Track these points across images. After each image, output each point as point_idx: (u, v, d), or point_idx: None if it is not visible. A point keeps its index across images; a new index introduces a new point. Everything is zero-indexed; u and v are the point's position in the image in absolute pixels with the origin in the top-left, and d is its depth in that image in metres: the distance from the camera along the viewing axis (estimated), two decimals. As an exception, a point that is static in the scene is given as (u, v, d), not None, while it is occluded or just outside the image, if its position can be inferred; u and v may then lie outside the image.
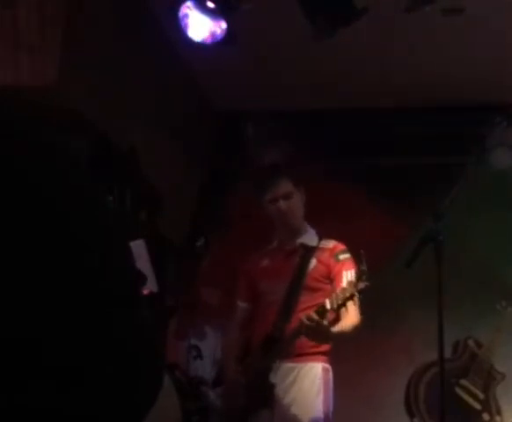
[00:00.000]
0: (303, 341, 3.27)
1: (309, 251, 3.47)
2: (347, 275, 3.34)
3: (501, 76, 4.69)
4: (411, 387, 4.90)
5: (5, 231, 0.82)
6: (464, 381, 4.83)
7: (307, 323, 3.11)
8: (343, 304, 3.14)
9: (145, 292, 3.30)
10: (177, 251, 4.79)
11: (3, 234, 0.82)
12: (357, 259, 3.26)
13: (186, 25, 3.68)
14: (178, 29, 3.71)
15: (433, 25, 4.12)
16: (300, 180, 3.62)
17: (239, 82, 4.85)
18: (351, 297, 3.14)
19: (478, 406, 4.79)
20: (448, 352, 4.28)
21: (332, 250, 3.46)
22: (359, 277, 3.17)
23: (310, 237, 3.55)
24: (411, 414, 4.83)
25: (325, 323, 3.13)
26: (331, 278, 3.39)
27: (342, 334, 3.29)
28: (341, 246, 3.49)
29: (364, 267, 3.19)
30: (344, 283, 3.27)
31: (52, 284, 0.84)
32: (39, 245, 0.84)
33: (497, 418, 4.78)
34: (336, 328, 3.25)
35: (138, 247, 3.37)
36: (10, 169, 0.85)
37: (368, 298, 5.06)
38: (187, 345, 4.46)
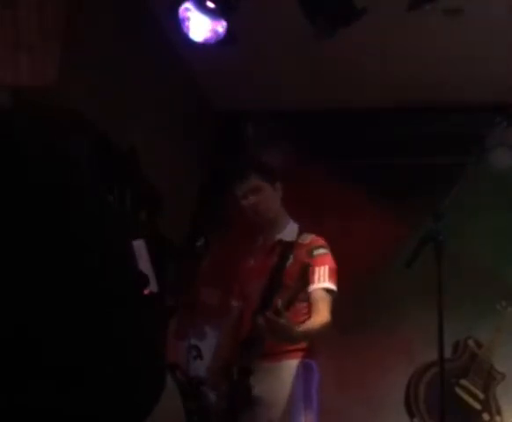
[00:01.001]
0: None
1: (286, 248, 3.40)
2: (320, 271, 3.29)
3: (501, 76, 4.69)
4: (411, 387, 4.90)
5: (5, 231, 0.82)
6: (464, 381, 4.83)
7: (263, 324, 3.07)
8: (291, 303, 3.08)
9: (145, 292, 3.30)
10: (177, 251, 4.78)
11: (4, 234, 0.82)
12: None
13: (185, 25, 3.68)
14: (178, 29, 3.72)
15: (433, 25, 4.12)
16: (273, 175, 3.52)
17: (239, 82, 4.85)
18: (296, 295, 3.10)
19: (478, 406, 4.79)
20: (448, 352, 4.27)
21: (308, 245, 3.38)
22: (303, 273, 3.13)
23: (288, 233, 3.46)
24: (411, 414, 4.83)
25: (283, 321, 3.01)
26: (304, 273, 3.28)
27: (310, 333, 3.24)
28: (318, 241, 3.40)
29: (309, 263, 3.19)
30: (315, 278, 3.25)
31: (52, 284, 0.84)
32: (39, 245, 0.84)
33: (497, 418, 4.78)
34: (303, 327, 3.19)
35: (138, 247, 3.37)
36: (11, 169, 0.85)
37: (368, 298, 5.08)
38: (187, 345, 4.46)
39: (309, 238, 3.42)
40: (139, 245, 3.40)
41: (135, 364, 0.91)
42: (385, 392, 4.93)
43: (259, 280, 3.41)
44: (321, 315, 3.24)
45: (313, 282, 3.28)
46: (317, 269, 3.30)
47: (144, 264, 3.38)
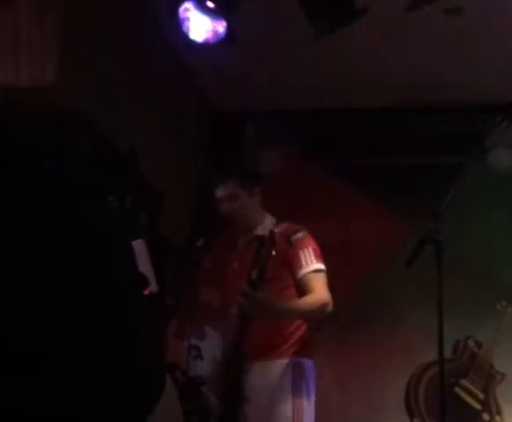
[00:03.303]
0: (270, 339, 3.24)
1: (263, 240, 3.29)
2: (305, 254, 3.25)
3: (501, 75, 4.69)
4: (411, 387, 4.90)
5: (4, 231, 0.82)
6: (464, 381, 4.83)
7: (242, 300, 3.01)
8: (264, 273, 2.99)
9: (145, 292, 3.29)
10: (177, 251, 4.78)
11: (2, 234, 0.82)
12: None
13: (186, 26, 3.68)
14: (178, 29, 3.72)
15: (433, 25, 4.12)
16: (253, 182, 3.51)
17: (239, 82, 4.85)
18: (266, 262, 3.01)
19: (478, 406, 4.79)
20: (448, 352, 4.27)
21: (283, 234, 3.31)
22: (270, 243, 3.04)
23: (264, 227, 3.42)
24: (411, 414, 4.83)
25: (260, 293, 2.97)
26: (287, 263, 3.27)
27: (305, 309, 3.20)
28: (293, 227, 3.36)
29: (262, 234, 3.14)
30: (303, 263, 3.22)
31: (53, 285, 0.84)
32: (38, 246, 0.84)
33: (497, 418, 4.78)
34: (295, 302, 3.17)
35: (138, 247, 3.37)
36: (10, 169, 0.85)
37: (368, 298, 5.08)
38: (187, 345, 4.46)
39: (283, 227, 3.38)
40: (139, 245, 3.40)
41: (135, 364, 0.91)
42: (385, 392, 4.93)
43: (241, 280, 3.39)
44: (318, 292, 3.20)
45: (301, 267, 3.25)
46: (301, 253, 3.26)
47: (144, 264, 3.37)
